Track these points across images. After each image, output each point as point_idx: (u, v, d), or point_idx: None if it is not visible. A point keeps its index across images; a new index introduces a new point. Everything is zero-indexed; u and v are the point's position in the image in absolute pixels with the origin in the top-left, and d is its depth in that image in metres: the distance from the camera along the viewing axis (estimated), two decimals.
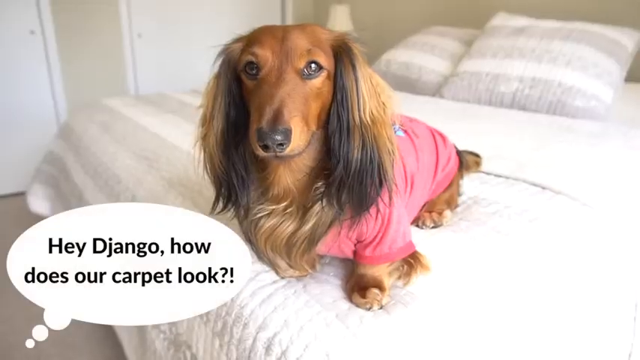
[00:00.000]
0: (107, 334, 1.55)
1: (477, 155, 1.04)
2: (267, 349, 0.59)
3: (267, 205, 0.59)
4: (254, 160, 0.58)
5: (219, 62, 0.58)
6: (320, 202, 0.56)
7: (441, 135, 0.88)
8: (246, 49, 0.54)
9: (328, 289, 0.65)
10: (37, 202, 1.87)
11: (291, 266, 0.64)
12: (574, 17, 1.85)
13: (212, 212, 0.62)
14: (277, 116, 0.47)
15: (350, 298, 0.63)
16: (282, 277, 0.67)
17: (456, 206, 0.87)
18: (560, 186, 0.93)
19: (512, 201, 0.88)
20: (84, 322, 1.63)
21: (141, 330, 0.97)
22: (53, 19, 2.58)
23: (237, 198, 0.57)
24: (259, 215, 0.59)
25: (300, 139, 0.49)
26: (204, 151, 0.59)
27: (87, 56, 2.75)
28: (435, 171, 0.82)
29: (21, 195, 2.78)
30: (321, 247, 0.62)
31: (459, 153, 0.90)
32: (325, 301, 0.62)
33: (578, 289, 0.80)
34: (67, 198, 1.58)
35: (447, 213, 0.81)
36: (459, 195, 0.90)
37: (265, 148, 0.48)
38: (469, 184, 0.96)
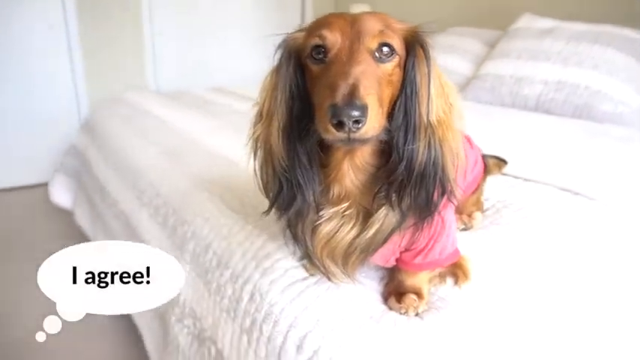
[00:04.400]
0: (127, 328, 1.56)
1: (499, 158, 1.03)
2: (299, 347, 0.58)
3: (328, 208, 0.56)
4: (317, 155, 0.55)
5: (278, 54, 0.55)
6: (384, 206, 0.54)
7: (467, 137, 0.87)
8: (312, 33, 0.51)
9: (361, 290, 0.64)
10: (59, 194, 1.89)
11: (344, 274, 0.61)
12: (602, 20, 1.81)
13: (267, 214, 0.59)
14: (353, 91, 0.44)
15: (385, 302, 0.62)
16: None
17: (484, 209, 0.86)
18: (593, 192, 0.91)
19: (544, 206, 0.86)
20: (102, 316, 1.64)
21: (163, 324, 0.98)
22: (77, 14, 2.62)
23: (302, 196, 0.54)
24: (319, 220, 0.56)
25: (375, 120, 0.46)
26: (261, 150, 0.56)
27: (108, 52, 2.78)
28: (464, 173, 0.81)
29: (43, 186, 2.82)
30: (375, 255, 0.59)
31: (482, 155, 0.89)
32: (358, 302, 0.61)
33: (617, 296, 0.78)
34: (89, 190, 1.60)
35: (477, 215, 0.80)
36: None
37: (339, 126, 0.44)
38: (496, 187, 0.95)
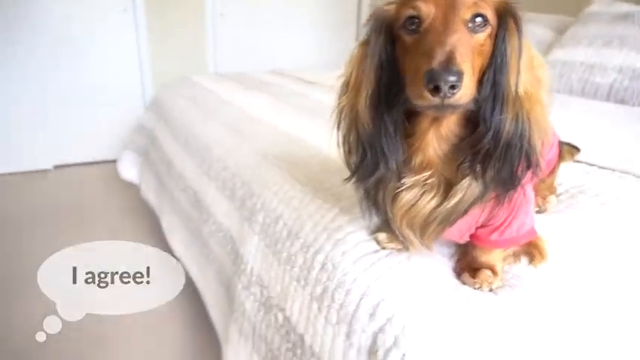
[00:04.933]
0: (189, 295, 1.64)
1: (572, 145, 1.00)
2: (371, 315, 0.60)
3: (410, 176, 0.57)
4: (402, 124, 0.56)
5: (368, 27, 0.56)
6: (469, 176, 0.54)
7: None
8: (405, 5, 0.52)
9: (433, 264, 0.65)
10: (127, 169, 2.00)
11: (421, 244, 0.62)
12: None
13: (348, 181, 0.61)
14: (450, 58, 0.46)
15: (458, 277, 0.62)
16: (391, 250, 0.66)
17: (557, 194, 0.84)
18: None
19: (622, 194, 0.83)
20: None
21: (229, 292, 1.02)
22: None
23: (385, 164, 0.56)
24: (400, 188, 0.58)
25: (468, 87, 0.47)
26: (346, 120, 0.59)
27: (172, 34, 2.90)
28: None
29: (111, 162, 3.00)
30: (451, 230, 0.60)
31: (559, 141, 0.87)
32: (431, 275, 0.62)
33: None
34: (156, 166, 1.68)
35: (552, 198, 0.78)
36: None
37: (435, 91, 0.46)
38: (570, 173, 0.92)
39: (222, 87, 1.78)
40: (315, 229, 0.75)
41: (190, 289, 1.64)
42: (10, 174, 2.79)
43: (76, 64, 2.75)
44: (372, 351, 0.58)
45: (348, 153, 0.60)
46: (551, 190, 0.82)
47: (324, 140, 1.08)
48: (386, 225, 0.62)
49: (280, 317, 0.80)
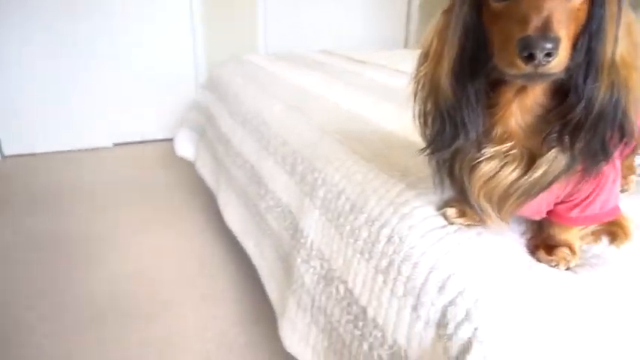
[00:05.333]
0: (243, 269, 1.70)
1: None
2: (441, 288, 0.59)
3: (490, 147, 0.56)
4: (485, 94, 0.55)
5: None
6: (555, 148, 0.52)
7: None
8: None
9: (504, 240, 0.63)
10: (183, 147, 2.07)
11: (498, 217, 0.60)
12: None
13: (423, 152, 0.60)
14: (547, 24, 0.44)
15: (532, 254, 0.61)
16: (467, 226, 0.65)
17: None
18: None
19: None
20: (220, 259, 1.78)
21: (287, 266, 1.05)
22: None
23: (465, 134, 0.54)
24: (480, 159, 0.56)
25: (563, 55, 0.46)
26: (424, 90, 0.58)
27: (224, 15, 2.96)
28: None
29: (167, 141, 3.13)
30: (528, 206, 0.58)
31: None
32: (503, 251, 0.61)
33: None
34: (212, 143, 1.73)
35: (633, 178, 0.74)
36: None
37: (528, 59, 0.44)
38: None
39: (276, 65, 1.79)
40: (381, 204, 0.75)
41: (245, 263, 1.69)
42: (73, 151, 2.95)
43: (133, 47, 2.86)
44: (442, 324, 0.58)
45: (424, 124, 0.59)
46: (632, 169, 0.77)
47: (385, 117, 1.07)
48: (462, 197, 0.61)
49: (342, 290, 0.81)
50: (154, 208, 2.20)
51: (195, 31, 2.91)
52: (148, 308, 1.49)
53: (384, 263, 0.69)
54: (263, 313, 1.48)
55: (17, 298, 1.55)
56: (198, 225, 2.04)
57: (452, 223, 0.67)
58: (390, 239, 0.70)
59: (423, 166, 0.80)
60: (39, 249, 1.85)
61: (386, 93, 1.23)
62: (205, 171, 1.81)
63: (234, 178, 1.45)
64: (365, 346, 0.74)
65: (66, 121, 2.87)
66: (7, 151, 2.81)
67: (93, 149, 3.00)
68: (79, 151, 2.97)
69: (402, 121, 1.03)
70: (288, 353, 1.32)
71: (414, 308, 0.63)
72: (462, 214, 0.67)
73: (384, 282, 0.69)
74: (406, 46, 3.49)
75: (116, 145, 3.08)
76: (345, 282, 0.80)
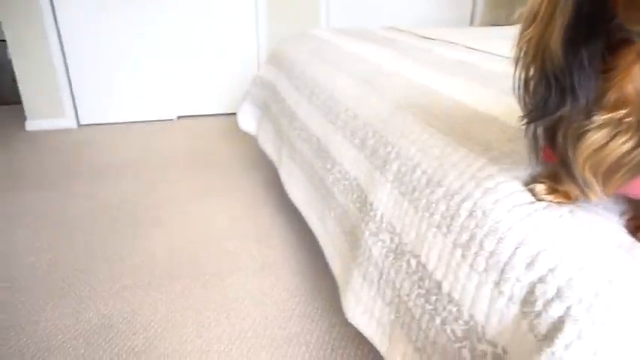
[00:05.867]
0: (304, 241, 1.73)
1: None
2: (529, 264, 0.57)
3: (601, 114, 0.52)
4: (600, 58, 0.51)
5: None
6: None
7: None
8: None
9: (600, 220, 0.60)
10: (246, 121, 2.11)
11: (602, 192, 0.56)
12: None
13: (525, 119, 0.57)
14: None
15: (634, 235, 0.57)
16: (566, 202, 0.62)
17: None
18: None
19: None
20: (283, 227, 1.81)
21: (352, 238, 1.05)
22: None
23: (574, 100, 0.51)
24: (588, 127, 0.52)
25: None
26: (529, 54, 0.54)
27: None
28: None
29: (229, 115, 3.22)
30: (635, 182, 0.54)
31: None
32: (599, 230, 0.58)
33: None
34: (276, 117, 1.75)
35: None
36: None
37: None
38: None
39: (342, 40, 1.77)
40: (461, 178, 0.73)
41: (305, 235, 1.72)
42: (140, 122, 3.10)
43: (197, 25, 2.93)
44: (528, 301, 0.56)
45: (525, 91, 0.56)
46: None
47: (461, 92, 1.04)
48: (564, 169, 0.58)
49: (413, 263, 0.80)
50: (215, 179, 2.28)
51: (258, 8, 2.93)
52: (208, 274, 1.55)
53: (464, 237, 0.68)
54: (322, 285, 1.50)
55: (90, 262, 1.66)
56: (258, 197, 2.09)
57: (540, 200, 0.64)
58: (471, 213, 0.68)
59: (506, 141, 0.77)
60: (108, 214, 1.97)
61: (459, 69, 1.19)
62: (267, 145, 1.84)
63: (298, 151, 1.46)
64: (437, 321, 0.73)
65: (134, 95, 3.01)
66: (82, 121, 3.00)
67: (158, 121, 3.13)
68: (146, 122, 3.11)
69: (479, 96, 1.00)
70: (347, 325, 1.34)
71: (497, 284, 0.61)
72: (552, 190, 0.64)
73: (463, 256, 0.67)
74: (472, 24, 3.36)
75: (180, 117, 3.19)
76: (417, 256, 0.79)
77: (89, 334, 1.28)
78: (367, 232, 0.96)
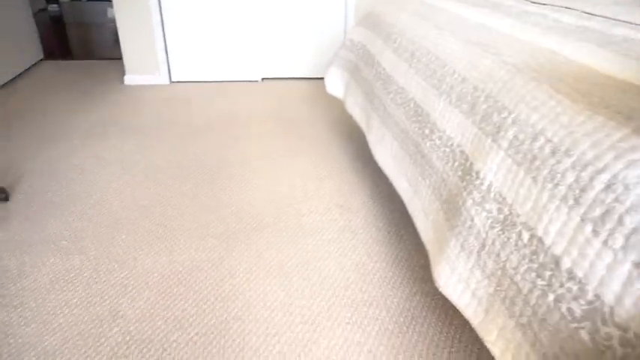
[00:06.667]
0: (384, 205, 1.71)
1: None
2: None
3: None
4: None
5: None
6: None
7: None
8: None
9: None
10: (333, 85, 2.09)
11: None
12: None
13: None
14: None
15: None
16: None
17: None
18: None
19: None
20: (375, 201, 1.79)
21: (450, 205, 1.01)
22: None
23: None
24: None
25: None
26: None
27: None
28: None
29: (310, 79, 3.23)
30: None
31: None
32: None
33: None
34: (368, 81, 1.71)
35: None
36: None
37: None
38: None
39: (445, 3, 1.68)
40: (597, 147, 0.67)
41: (388, 202, 1.70)
42: (226, 82, 3.19)
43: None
44: None
45: None
46: None
47: (590, 58, 0.94)
48: None
49: (526, 236, 0.76)
50: (300, 140, 2.30)
51: None
52: (290, 231, 1.59)
53: (597, 211, 0.62)
54: (403, 254, 1.49)
55: (181, 209, 1.76)
56: (342, 161, 2.09)
57: None
58: (609, 186, 0.62)
59: None
60: (197, 166, 2.06)
61: (583, 34, 1.08)
62: (355, 109, 1.82)
63: (391, 116, 1.43)
64: (550, 297, 0.69)
65: (222, 55, 3.09)
66: (174, 78, 3.14)
67: (243, 82, 3.21)
68: (231, 82, 3.20)
69: (611, 63, 0.90)
70: (428, 294, 1.32)
71: (637, 265, 0.56)
72: None
73: (594, 232, 0.62)
74: None
75: (264, 79, 3.25)
76: (531, 229, 0.74)
77: (181, 275, 1.37)
78: (470, 202, 0.92)
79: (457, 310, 1.26)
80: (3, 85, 2.99)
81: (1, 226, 1.59)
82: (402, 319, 1.23)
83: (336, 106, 2.72)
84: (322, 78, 3.22)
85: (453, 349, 1.14)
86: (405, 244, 1.53)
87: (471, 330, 1.20)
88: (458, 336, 1.18)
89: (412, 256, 1.47)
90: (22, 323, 1.18)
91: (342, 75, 2.05)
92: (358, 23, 2.06)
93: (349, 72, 1.99)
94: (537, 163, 0.76)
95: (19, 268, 1.38)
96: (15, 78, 3.14)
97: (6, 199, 1.72)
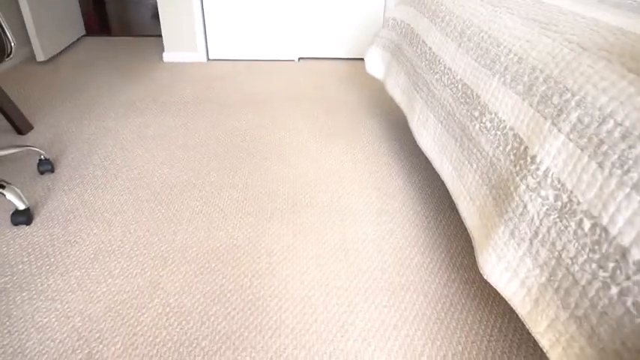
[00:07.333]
0: (422, 190, 1.68)
1: None
2: None
3: None
4: None
5: None
6: None
7: None
8: None
9: None
10: (373, 65, 2.05)
11: None
12: None
13: None
14: None
15: None
16: None
17: None
18: None
19: None
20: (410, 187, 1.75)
21: (500, 191, 0.97)
22: None
23: None
24: None
25: None
26: None
27: None
28: None
29: (347, 60, 3.18)
30: None
31: None
32: None
33: None
34: (411, 61, 1.66)
35: None
36: None
37: None
38: None
39: None
40: None
41: (426, 187, 1.66)
42: (263, 60, 3.17)
43: None
44: None
45: None
46: None
47: None
48: None
49: (587, 225, 0.72)
50: (337, 121, 2.28)
51: None
52: (327, 212, 1.57)
53: None
54: (442, 240, 1.45)
55: (218, 186, 1.77)
56: (381, 144, 2.06)
57: None
58: None
59: None
60: (234, 143, 2.07)
61: None
62: (396, 90, 1.77)
63: (436, 97, 1.38)
64: (613, 290, 0.65)
65: (259, 34, 3.07)
66: (211, 56, 3.15)
67: (280, 61, 3.18)
68: (268, 61, 3.18)
69: None
70: (467, 282, 1.29)
71: None
72: None
73: None
74: None
75: (301, 59, 3.21)
76: (594, 217, 0.70)
77: (219, 250, 1.38)
78: (523, 187, 0.88)
79: (497, 300, 1.23)
80: (49, 59, 3.07)
81: (48, 195, 1.64)
82: (439, 306, 1.20)
83: (374, 87, 2.67)
84: (360, 59, 3.15)
85: (492, 338, 1.12)
86: (443, 230, 1.49)
87: (511, 320, 1.17)
88: (498, 325, 1.15)
89: (451, 242, 1.44)
90: (69, 290, 1.22)
91: (382, 55, 2.00)
92: (401, 1, 1.99)
93: (390, 52, 1.94)
94: (604, 147, 0.71)
95: (65, 237, 1.43)
96: (60, 53, 3.22)
97: (52, 170, 1.77)
